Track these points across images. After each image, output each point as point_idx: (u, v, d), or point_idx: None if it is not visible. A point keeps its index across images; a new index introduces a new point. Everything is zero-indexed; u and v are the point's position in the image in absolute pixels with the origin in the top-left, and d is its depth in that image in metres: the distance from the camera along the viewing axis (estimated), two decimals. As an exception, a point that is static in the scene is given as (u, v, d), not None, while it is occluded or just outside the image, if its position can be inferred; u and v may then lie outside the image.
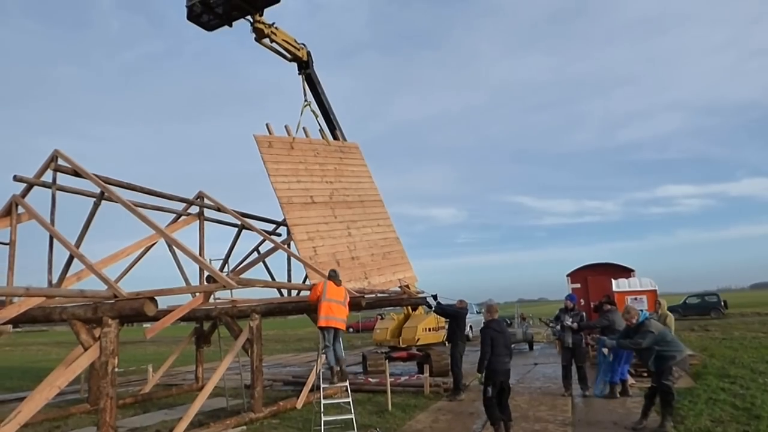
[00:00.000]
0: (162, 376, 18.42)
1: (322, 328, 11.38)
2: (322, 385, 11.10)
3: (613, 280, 20.58)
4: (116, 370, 9.42)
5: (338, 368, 11.41)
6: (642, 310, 10.74)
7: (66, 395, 15.99)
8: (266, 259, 16.89)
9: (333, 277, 11.70)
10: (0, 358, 36.56)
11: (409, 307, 19.84)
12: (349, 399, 10.86)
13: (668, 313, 15.55)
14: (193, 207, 16.03)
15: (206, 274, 15.04)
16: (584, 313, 15.17)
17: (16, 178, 11.59)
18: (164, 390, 17.65)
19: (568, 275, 24.10)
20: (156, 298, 9.50)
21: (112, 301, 9.46)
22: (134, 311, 9.25)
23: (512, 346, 26.06)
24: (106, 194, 11.70)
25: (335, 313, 11.32)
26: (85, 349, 9.46)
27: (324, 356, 11.48)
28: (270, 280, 15.76)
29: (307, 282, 15.59)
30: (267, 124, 16.09)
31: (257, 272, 16.83)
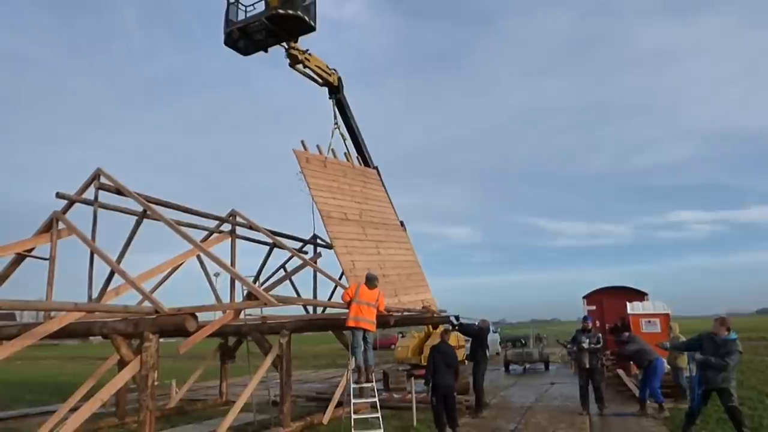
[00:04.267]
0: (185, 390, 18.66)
1: (351, 328, 11.91)
2: (353, 400, 11.37)
3: (627, 303, 20.80)
4: (156, 383, 9.66)
5: (366, 370, 11.86)
6: (731, 331, 10.41)
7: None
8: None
9: (368, 280, 12.22)
10: (14, 372, 36.64)
11: (430, 326, 20.04)
12: (378, 414, 11.12)
13: (680, 335, 15.77)
14: (225, 224, 16.27)
15: (237, 290, 15.43)
16: (600, 335, 15.32)
17: (58, 195, 11.91)
18: (189, 404, 17.88)
19: (584, 297, 24.30)
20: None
21: (154, 316, 9.73)
22: (175, 326, 9.55)
23: (527, 365, 26.50)
24: (148, 212, 12.01)
25: (364, 314, 11.84)
26: (126, 363, 9.70)
27: (353, 357, 11.88)
28: (296, 296, 16.07)
29: (336, 296, 16.03)
30: (302, 141, 16.37)
31: (284, 289, 17.08)
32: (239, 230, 16.58)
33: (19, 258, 11.91)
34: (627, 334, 15.11)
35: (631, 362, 17.95)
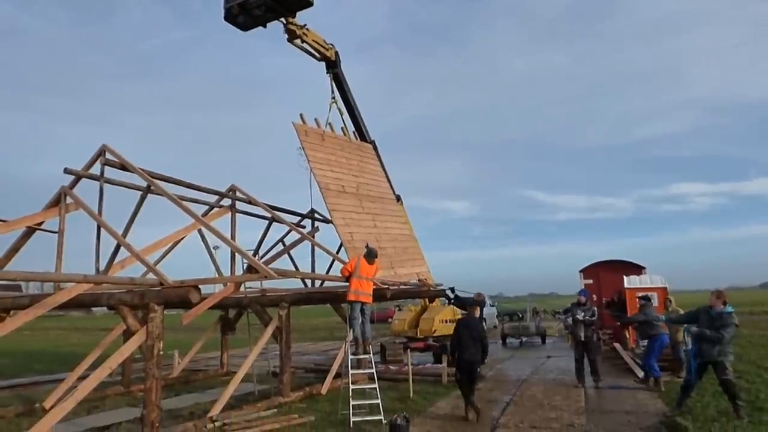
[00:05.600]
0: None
1: (351, 302, 12.41)
2: (350, 371, 11.77)
3: (624, 277, 20.90)
4: (161, 352, 10.04)
5: (363, 341, 12.43)
6: (727, 305, 10.75)
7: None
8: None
9: (367, 255, 12.67)
10: (23, 342, 37.15)
11: (426, 299, 20.36)
12: (375, 385, 11.51)
13: (678, 309, 16.01)
14: (225, 199, 16.60)
15: (238, 264, 15.78)
16: (596, 308, 15.59)
17: (66, 171, 12.25)
18: (191, 374, 18.39)
19: (581, 271, 24.39)
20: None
21: (159, 288, 10.10)
22: (179, 298, 9.91)
23: (524, 339, 26.66)
24: (152, 188, 12.34)
25: (364, 288, 12.37)
26: (132, 334, 10.07)
27: (351, 329, 12.38)
28: (296, 270, 16.42)
29: (334, 270, 16.41)
30: (301, 114, 16.66)
31: (282, 262, 17.46)
32: (238, 205, 16.89)
33: (29, 231, 12.30)
34: (644, 302, 15.20)
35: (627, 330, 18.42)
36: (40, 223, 12.29)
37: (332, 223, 15.54)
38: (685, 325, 10.98)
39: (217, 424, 10.76)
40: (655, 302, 19.36)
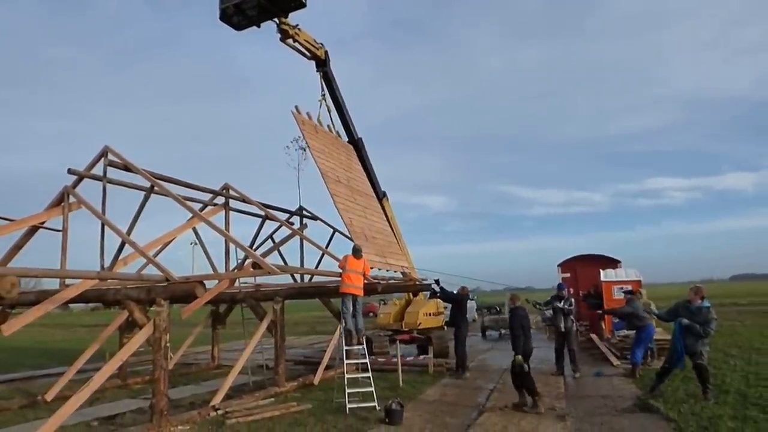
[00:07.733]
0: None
1: (343, 294, 13.23)
2: (345, 361, 12.34)
3: (601, 271, 21.51)
4: (168, 345, 10.53)
5: (356, 333, 13.16)
6: (705, 299, 11.51)
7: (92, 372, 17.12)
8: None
9: (354, 251, 13.48)
10: (6, 338, 37.12)
11: (411, 293, 20.87)
12: (369, 374, 12.12)
13: (649, 301, 16.74)
14: (219, 198, 17.00)
15: (233, 260, 16.25)
16: (573, 299, 16.34)
17: (70, 171, 12.63)
18: (183, 368, 18.90)
19: (559, 265, 25.01)
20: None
21: (165, 284, 10.58)
22: (185, 293, 10.42)
23: (503, 331, 27.19)
24: (156, 188, 12.79)
25: (353, 281, 13.17)
26: (140, 327, 10.55)
27: (344, 321, 13.13)
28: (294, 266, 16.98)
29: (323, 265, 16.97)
30: (296, 106, 16.89)
31: (272, 258, 17.88)
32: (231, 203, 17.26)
33: (33, 229, 12.67)
34: (629, 296, 15.84)
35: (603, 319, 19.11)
36: (43, 222, 12.68)
37: (336, 206, 15.83)
38: (679, 319, 11.58)
39: (219, 412, 11.30)
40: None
